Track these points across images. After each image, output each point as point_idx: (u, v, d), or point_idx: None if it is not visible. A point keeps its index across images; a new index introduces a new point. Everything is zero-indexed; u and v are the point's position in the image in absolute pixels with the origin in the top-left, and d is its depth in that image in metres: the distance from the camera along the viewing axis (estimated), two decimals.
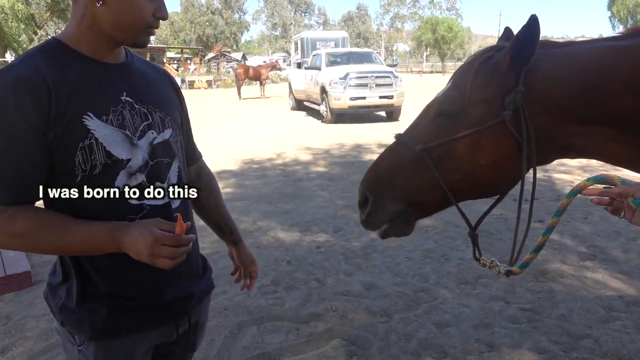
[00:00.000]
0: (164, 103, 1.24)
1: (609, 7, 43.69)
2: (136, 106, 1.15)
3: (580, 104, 1.07)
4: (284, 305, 3.18)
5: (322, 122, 12.74)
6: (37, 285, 3.56)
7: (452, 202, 1.20)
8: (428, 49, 63.39)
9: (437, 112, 1.20)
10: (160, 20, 1.15)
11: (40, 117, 1.00)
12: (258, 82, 22.05)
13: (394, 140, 1.27)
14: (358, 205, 1.28)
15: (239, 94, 20.48)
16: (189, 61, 38.69)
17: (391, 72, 12.64)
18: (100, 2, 1.05)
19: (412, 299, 3.21)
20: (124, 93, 1.14)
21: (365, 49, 16.05)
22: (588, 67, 1.07)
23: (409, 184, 1.20)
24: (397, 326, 2.87)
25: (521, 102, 1.08)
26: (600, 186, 1.05)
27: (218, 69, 36.64)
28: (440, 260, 3.80)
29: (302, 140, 9.83)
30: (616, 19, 44.06)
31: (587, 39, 1.15)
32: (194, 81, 29.48)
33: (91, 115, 1.06)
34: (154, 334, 1.23)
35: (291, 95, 16.44)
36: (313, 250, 4.10)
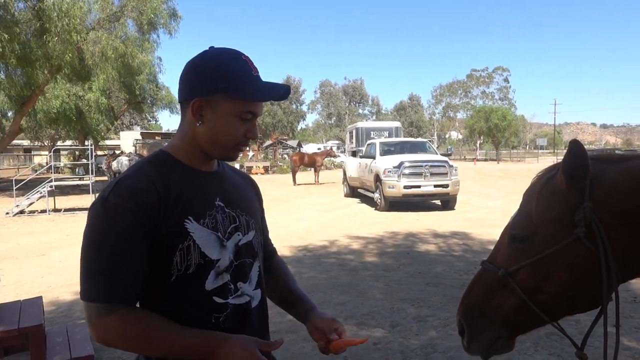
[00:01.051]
0: (249, 207, 1.35)
1: None
2: (227, 210, 1.25)
3: None
4: None
5: (375, 209, 12.78)
6: None
7: (546, 322, 1.22)
8: (481, 137, 63.53)
9: (510, 237, 1.25)
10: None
11: (152, 221, 1.11)
12: (313, 169, 22.70)
13: (480, 266, 1.33)
14: (459, 333, 1.36)
15: (294, 179, 21.11)
16: (247, 148, 40.76)
17: (446, 161, 12.70)
18: (200, 122, 1.20)
19: None
20: (218, 198, 1.25)
21: (419, 139, 16.39)
22: None
23: (500, 308, 1.25)
24: None
25: (592, 217, 1.10)
26: None
27: (274, 156, 38.22)
28: None
29: (356, 228, 9.84)
30: None
31: None
32: (252, 167, 30.79)
33: (191, 219, 1.16)
34: None
35: (345, 183, 16.73)
36: (370, 346, 3.96)
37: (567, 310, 1.23)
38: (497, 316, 1.26)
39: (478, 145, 67.83)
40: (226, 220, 1.24)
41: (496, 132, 56.46)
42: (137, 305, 1.20)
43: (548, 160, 45.26)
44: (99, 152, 31.33)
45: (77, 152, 33.64)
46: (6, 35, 15.73)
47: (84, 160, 21.64)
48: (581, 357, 1.24)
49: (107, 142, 38.35)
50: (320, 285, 5.79)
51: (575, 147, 1.11)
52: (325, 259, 7.16)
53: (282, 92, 1.23)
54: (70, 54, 17.65)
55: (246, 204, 1.34)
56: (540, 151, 60.57)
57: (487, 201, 14.36)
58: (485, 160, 56.79)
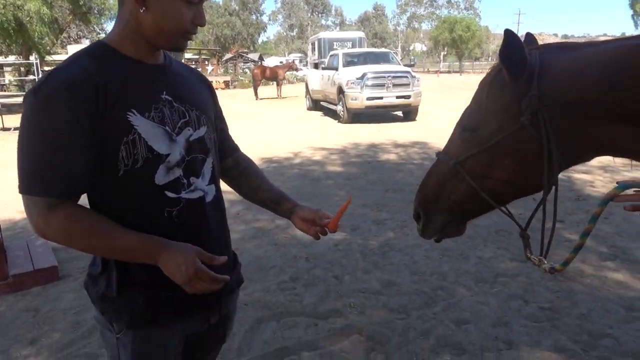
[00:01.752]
0: (200, 102, 1.30)
1: (631, 6, 42.82)
2: (175, 104, 1.21)
3: (599, 103, 1.08)
4: (302, 301, 3.22)
5: (338, 122, 12.77)
6: (64, 280, 3.67)
7: (494, 207, 1.29)
8: (445, 49, 62.90)
9: (461, 128, 1.30)
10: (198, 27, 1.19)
11: (89, 113, 1.05)
12: (275, 83, 22.18)
13: (436, 157, 1.39)
14: (414, 219, 1.44)
15: (256, 94, 20.63)
16: (206, 62, 39.08)
17: (408, 72, 12.60)
18: (143, 8, 1.11)
19: (430, 296, 3.23)
20: (164, 92, 1.19)
21: (383, 49, 16.05)
22: (606, 67, 1.08)
23: (451, 196, 1.32)
24: (415, 323, 2.89)
25: (537, 105, 1.12)
26: (631, 192, 1.08)
27: (235, 70, 36.93)
28: (459, 258, 3.81)
29: (319, 140, 9.87)
30: (639, 17, 43.14)
31: (606, 39, 1.17)
32: (212, 82, 29.72)
33: (135, 111, 1.12)
34: (187, 324, 1.27)
35: (308, 96, 16.50)
36: (331, 247, 4.14)
37: (513, 195, 1.29)
38: (448, 202, 1.33)
39: (442, 57, 67.33)
40: (175, 115, 1.20)
41: (460, 44, 55.95)
42: (88, 202, 1.18)
43: None
44: (46, 68, 29.37)
45: (22, 68, 31.49)
46: None
47: (31, 77, 20.35)
48: (523, 236, 1.33)
49: (55, 57, 35.86)
50: None
51: (508, 36, 1.11)
52: (288, 170, 7.23)
53: None
54: None
55: (196, 99, 1.29)
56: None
57: (449, 112, 14.52)
58: (449, 72, 56.72)
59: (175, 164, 1.18)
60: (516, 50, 1.12)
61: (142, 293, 1.19)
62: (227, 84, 30.32)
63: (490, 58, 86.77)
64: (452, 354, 2.59)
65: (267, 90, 23.84)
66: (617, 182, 1.14)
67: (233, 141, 1.55)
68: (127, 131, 1.10)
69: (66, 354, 2.72)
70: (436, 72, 50.05)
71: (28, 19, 26.88)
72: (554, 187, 1.20)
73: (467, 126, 1.27)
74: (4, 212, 5.38)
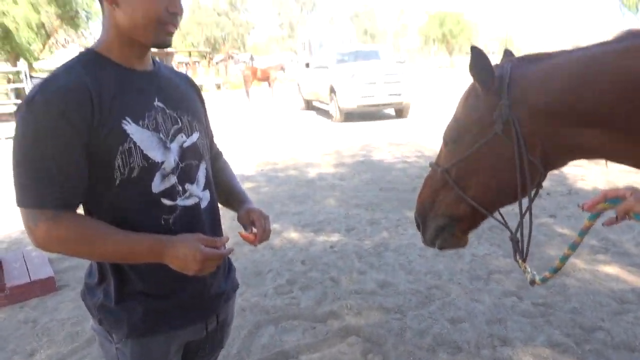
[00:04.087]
0: (191, 108, 1.31)
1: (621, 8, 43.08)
2: (167, 111, 1.22)
3: (566, 109, 1.14)
4: (300, 304, 3.25)
5: (331, 121, 12.80)
6: (61, 291, 3.68)
7: (484, 214, 1.35)
8: (436, 44, 63.03)
9: (445, 140, 1.38)
10: (178, 16, 1.17)
11: (85, 123, 1.06)
12: (267, 83, 22.15)
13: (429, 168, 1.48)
14: (417, 228, 1.51)
15: (248, 95, 20.61)
16: (197, 64, 38.93)
17: (399, 70, 12.64)
18: (114, 5, 1.11)
19: (426, 296, 3.27)
20: (156, 99, 1.21)
21: (373, 46, 16.04)
22: (571, 75, 1.14)
23: (443, 202, 1.39)
24: (411, 323, 2.93)
25: (509, 114, 1.19)
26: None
27: (226, 71, 36.82)
28: (453, 257, 3.85)
29: (312, 141, 9.90)
30: (625, 7, 43.34)
31: (574, 48, 1.22)
32: (202, 85, 29.66)
33: (129, 120, 1.13)
34: (186, 331, 1.29)
35: (300, 96, 16.51)
36: (327, 250, 4.17)
37: (497, 201, 1.35)
38: (440, 209, 1.40)
39: (433, 53, 67.46)
40: (168, 122, 1.21)
41: (450, 38, 56.09)
42: (84, 212, 1.19)
43: None
44: (34, 74, 29.15)
45: (10, 76, 31.21)
46: None
47: (20, 85, 20.21)
48: (512, 239, 1.39)
49: (43, 64, 35.57)
50: (277, 197, 5.91)
51: (475, 54, 1.19)
52: (282, 173, 7.25)
53: None
54: None
55: (187, 104, 1.30)
56: (493, 55, 61.04)
57: (441, 109, 14.60)
58: (440, 67, 56.85)
59: (170, 171, 1.19)
60: (483, 63, 1.19)
61: (141, 303, 1.21)
62: (218, 86, 30.22)
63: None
64: (448, 353, 2.64)
65: (259, 90, 23.79)
66: (606, 197, 1.18)
67: (217, 147, 1.58)
68: (122, 140, 1.11)
69: None
70: (428, 68, 50.16)
71: (15, 25, 26.66)
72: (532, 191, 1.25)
73: (449, 138, 1.36)
74: None
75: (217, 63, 39.93)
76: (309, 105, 15.82)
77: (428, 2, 73.15)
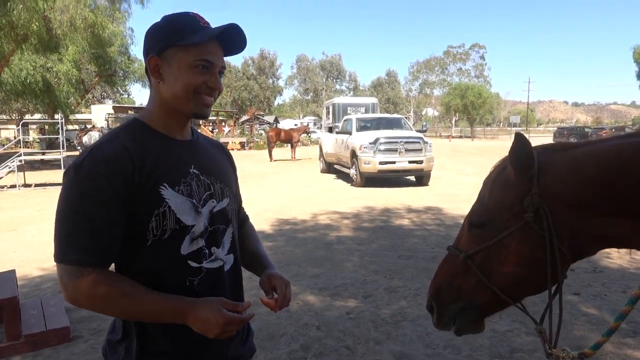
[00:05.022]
0: (223, 175, 1.39)
1: (638, 77, 43.67)
2: (201, 177, 1.29)
3: (597, 199, 1.15)
4: None
5: (351, 185, 12.91)
6: (75, 341, 3.66)
7: (506, 301, 1.30)
8: (457, 114, 64.16)
9: (469, 224, 1.35)
10: (216, 92, 1.27)
11: (126, 188, 1.14)
12: (289, 145, 22.65)
13: (447, 251, 1.43)
14: (428, 310, 1.46)
15: (270, 155, 21.05)
16: (223, 123, 40.23)
17: (421, 138, 12.85)
18: (159, 80, 1.24)
19: None
20: (192, 166, 1.29)
21: (395, 115, 16.45)
22: (601, 165, 1.16)
23: (462, 289, 1.35)
24: None
25: (539, 203, 1.19)
26: None
27: (251, 131, 37.87)
28: None
29: (332, 203, 9.96)
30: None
31: (601, 139, 1.25)
32: (228, 142, 30.50)
33: (166, 185, 1.20)
34: None
35: (321, 158, 16.79)
36: (343, 316, 4.09)
37: (524, 291, 1.30)
38: (460, 295, 1.35)
39: (453, 122, 68.55)
40: (201, 188, 1.28)
41: (471, 110, 57.12)
42: (113, 269, 1.23)
43: None
44: (70, 127, 30.51)
45: (46, 126, 32.68)
46: None
47: (54, 136, 21.11)
48: (540, 331, 1.33)
49: (78, 116, 37.22)
50: (295, 259, 5.89)
51: (519, 140, 1.20)
52: (301, 234, 7.26)
53: (232, 32, 1.26)
54: (36, 23, 16.98)
55: (220, 172, 1.38)
56: (513, 129, 61.61)
57: (461, 177, 14.64)
58: (460, 137, 57.50)
59: (199, 234, 1.25)
60: (525, 152, 1.20)
61: None
62: (242, 145, 31.02)
63: (501, 124, 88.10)
64: None
65: (282, 152, 24.29)
66: None
67: (244, 212, 1.64)
68: (158, 204, 1.18)
69: None
70: (448, 136, 50.79)
71: (56, 80, 28.24)
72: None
73: (475, 223, 1.33)
74: (21, 268, 5.44)
75: (242, 123, 41.19)
76: (329, 168, 16.05)
77: (450, 73, 75.18)
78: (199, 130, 1.48)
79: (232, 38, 1.28)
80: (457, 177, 14.57)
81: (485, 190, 1.33)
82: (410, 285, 4.85)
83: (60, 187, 1.18)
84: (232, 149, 29.22)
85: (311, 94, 77.53)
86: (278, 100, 76.81)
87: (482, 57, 74.52)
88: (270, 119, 45.37)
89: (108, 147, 1.17)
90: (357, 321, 3.98)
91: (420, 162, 12.37)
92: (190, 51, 1.21)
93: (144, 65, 1.27)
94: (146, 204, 1.17)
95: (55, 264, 1.16)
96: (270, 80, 68.28)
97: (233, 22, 1.25)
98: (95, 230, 1.12)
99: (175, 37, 1.21)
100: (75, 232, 1.12)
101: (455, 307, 1.37)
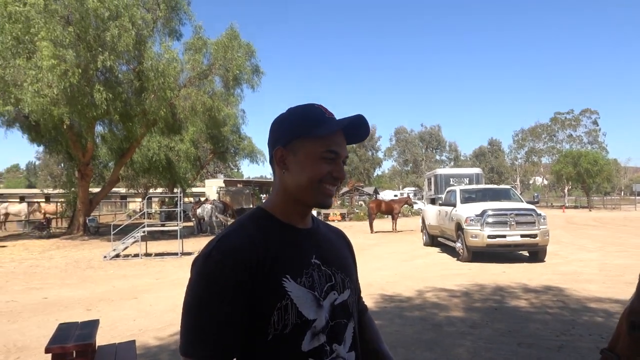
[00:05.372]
0: (344, 265, 1.33)
1: None
2: (322, 268, 1.24)
3: None
4: None
5: (457, 259, 12.26)
6: None
7: None
8: (570, 183, 59.63)
9: (630, 325, 1.14)
10: (339, 181, 1.26)
11: (252, 279, 1.12)
12: (390, 216, 22.43)
13: (600, 355, 1.23)
14: None
15: (371, 227, 20.93)
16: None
17: (533, 210, 12.00)
18: (284, 171, 1.25)
19: None
20: (314, 256, 1.25)
21: (503, 186, 15.66)
22: None
23: None
24: None
25: None
26: None
27: (351, 202, 38.30)
28: None
29: (438, 279, 9.47)
30: None
31: None
32: (329, 214, 31.04)
33: (289, 277, 1.16)
34: None
35: (424, 231, 16.31)
36: None
37: None
38: None
39: (566, 191, 63.67)
40: (322, 279, 1.23)
41: (586, 178, 52.77)
42: None
43: None
44: (186, 199, 33.22)
45: (166, 199, 35.91)
46: (110, 95, 17.57)
47: (172, 209, 23.08)
48: None
49: (194, 190, 40.55)
50: (402, 341, 5.57)
51: None
52: (407, 312, 6.91)
53: (357, 123, 1.25)
54: (164, 109, 19.28)
55: (341, 261, 1.33)
56: (638, 197, 55.48)
57: (581, 253, 13.28)
58: (575, 207, 53.01)
59: (320, 329, 1.18)
60: None
61: None
62: (343, 216, 31.37)
63: (622, 192, 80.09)
64: None
65: (382, 223, 24.08)
66: None
67: (363, 302, 1.56)
68: (281, 297, 1.14)
69: None
70: (561, 207, 47.11)
71: (177, 157, 31.39)
72: None
73: (635, 323, 1.12)
74: (140, 337, 5.76)
75: (342, 195, 41.90)
76: (433, 241, 15.48)
77: (559, 140, 70.96)
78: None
79: (356, 128, 1.28)
80: (577, 253, 13.22)
81: None
82: None
83: (189, 276, 1.19)
84: (333, 220, 29.62)
85: (410, 164, 77.49)
86: (377, 172, 77.61)
87: (595, 123, 69.83)
88: (369, 190, 45.72)
89: (235, 237, 1.18)
90: None
91: (535, 236, 11.46)
92: (318, 142, 1.22)
93: (269, 155, 1.30)
94: (269, 297, 1.14)
95: (170, 331, 1.15)
96: (370, 153, 69.63)
97: (359, 114, 1.26)
98: (220, 326, 1.11)
99: (301, 128, 1.23)
100: (201, 326, 1.11)
101: None
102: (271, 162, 1.30)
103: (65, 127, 19.46)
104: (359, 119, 1.25)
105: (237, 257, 1.13)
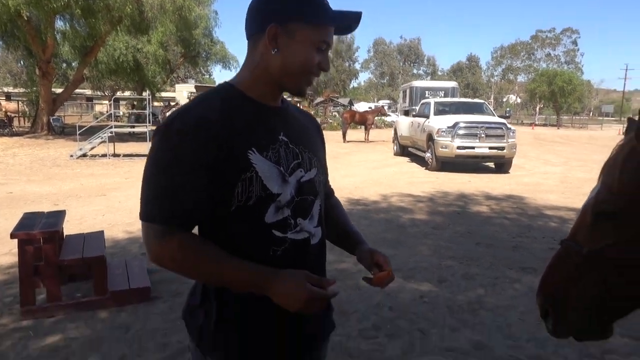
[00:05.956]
0: (312, 145, 1.32)
1: None
2: (290, 146, 1.23)
3: None
4: (384, 352, 3.07)
5: (426, 169, 12.55)
6: (154, 301, 3.83)
7: None
8: (542, 102, 60.33)
9: (595, 215, 1.11)
10: (322, 73, 1.23)
11: (214, 150, 1.10)
12: (363, 127, 22.48)
13: (560, 246, 1.20)
14: (541, 317, 1.22)
15: (344, 136, 21.01)
16: (298, 104, 40.70)
17: (504, 124, 12.18)
18: (275, 49, 1.16)
19: None
20: (282, 133, 1.22)
21: (477, 100, 15.68)
22: None
23: (587, 290, 1.11)
24: None
25: None
26: None
27: (325, 113, 38.02)
28: None
29: (406, 186, 9.72)
30: None
31: None
32: None
33: (255, 150, 1.15)
34: None
35: (396, 141, 16.47)
36: (416, 299, 3.95)
37: None
38: (584, 298, 1.12)
39: (537, 109, 64.61)
40: (289, 156, 1.22)
41: (559, 97, 53.36)
42: (196, 232, 1.20)
43: (614, 128, 42.59)
44: (156, 103, 32.32)
45: (134, 102, 34.87)
46: None
47: (142, 111, 22.48)
48: None
49: (164, 94, 39.33)
50: (367, 240, 5.73)
51: None
52: (373, 215, 7.14)
53: (353, 19, 1.21)
54: (130, 6, 18.04)
55: (309, 141, 1.32)
56: (605, 118, 56.84)
57: (545, 166, 13.76)
58: (545, 125, 54.18)
59: (285, 203, 1.19)
60: None
61: (243, 330, 1.18)
62: None
63: (592, 113, 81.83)
64: None
65: (355, 133, 24.16)
66: None
67: (330, 185, 1.56)
68: (245, 169, 1.13)
69: None
70: (531, 124, 48.04)
71: (145, 60, 29.97)
72: None
73: (602, 213, 1.10)
74: (108, 231, 5.80)
75: (317, 105, 41.43)
76: (403, 151, 15.71)
77: (537, 59, 70.57)
78: None
79: (348, 23, 1.22)
80: (542, 167, 13.70)
81: (612, 176, 1.10)
82: (489, 273, 4.60)
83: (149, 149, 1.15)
84: None
85: (387, 77, 76.49)
86: (353, 83, 76.44)
87: (575, 43, 69.35)
88: (344, 101, 45.28)
89: (198, 109, 1.14)
90: (431, 305, 3.82)
91: (502, 148, 11.73)
92: (316, 30, 1.16)
93: (250, 27, 1.20)
94: (233, 167, 1.12)
95: (140, 225, 1.14)
96: (347, 64, 68.05)
97: (359, 12, 1.20)
98: (182, 191, 1.09)
99: (303, 9, 1.15)
100: (162, 191, 1.10)
101: (579, 320, 1.15)
102: (252, 36, 1.20)
103: (22, 20, 18.05)
104: (357, 17, 1.20)
105: (199, 127, 1.10)
